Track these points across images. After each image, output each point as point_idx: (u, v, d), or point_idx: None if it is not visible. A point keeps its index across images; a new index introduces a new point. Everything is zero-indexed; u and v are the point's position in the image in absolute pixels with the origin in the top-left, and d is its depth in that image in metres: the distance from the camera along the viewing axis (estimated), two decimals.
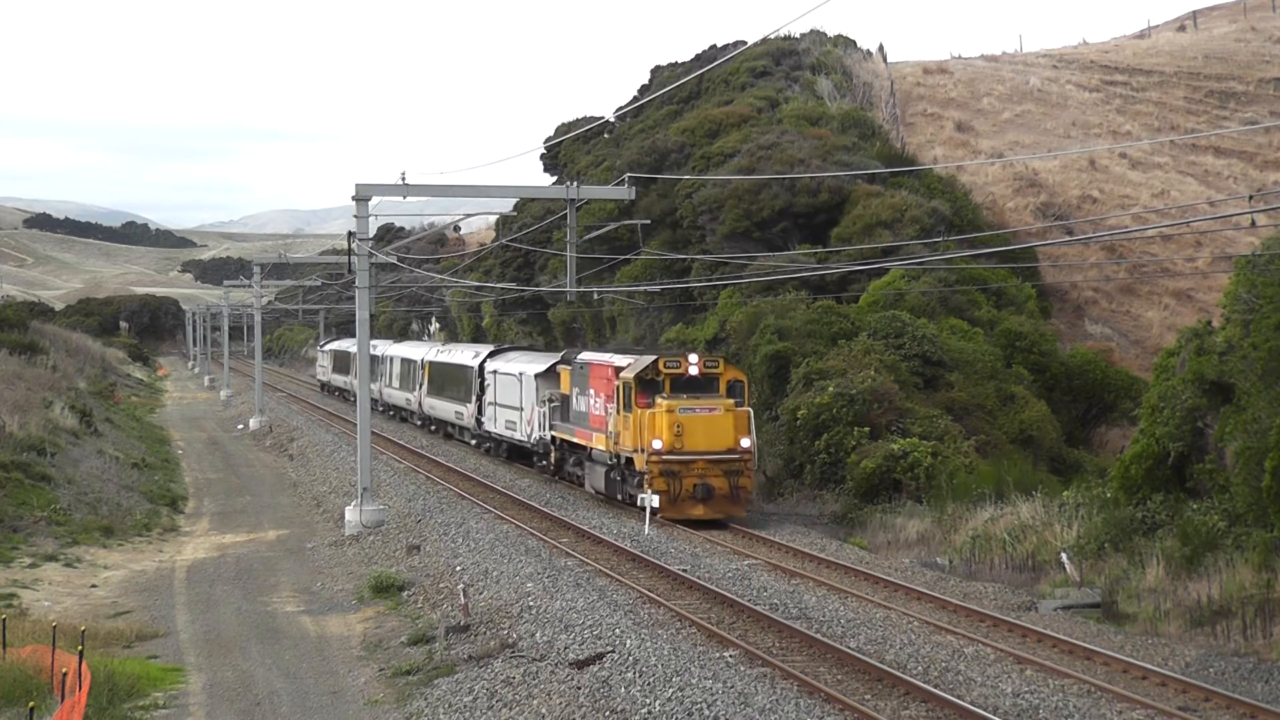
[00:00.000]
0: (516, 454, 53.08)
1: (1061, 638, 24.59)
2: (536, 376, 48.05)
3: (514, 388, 50.61)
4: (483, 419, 56.09)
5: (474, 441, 58.44)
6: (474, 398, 56.81)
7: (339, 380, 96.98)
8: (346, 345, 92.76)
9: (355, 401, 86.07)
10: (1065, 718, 20.25)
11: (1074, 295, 59.39)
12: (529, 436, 49.32)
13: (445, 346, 70.08)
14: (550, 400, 46.32)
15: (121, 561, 37.26)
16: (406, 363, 72.28)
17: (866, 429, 41.80)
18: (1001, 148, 70.43)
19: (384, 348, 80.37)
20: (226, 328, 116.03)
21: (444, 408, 63.10)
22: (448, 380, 61.91)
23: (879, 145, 64.76)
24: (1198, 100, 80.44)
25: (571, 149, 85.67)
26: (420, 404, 68.43)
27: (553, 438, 46.29)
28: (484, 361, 56.32)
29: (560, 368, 46.14)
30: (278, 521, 43.98)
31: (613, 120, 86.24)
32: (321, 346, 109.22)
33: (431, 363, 65.65)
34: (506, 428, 52.34)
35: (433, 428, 67.31)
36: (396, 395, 75.17)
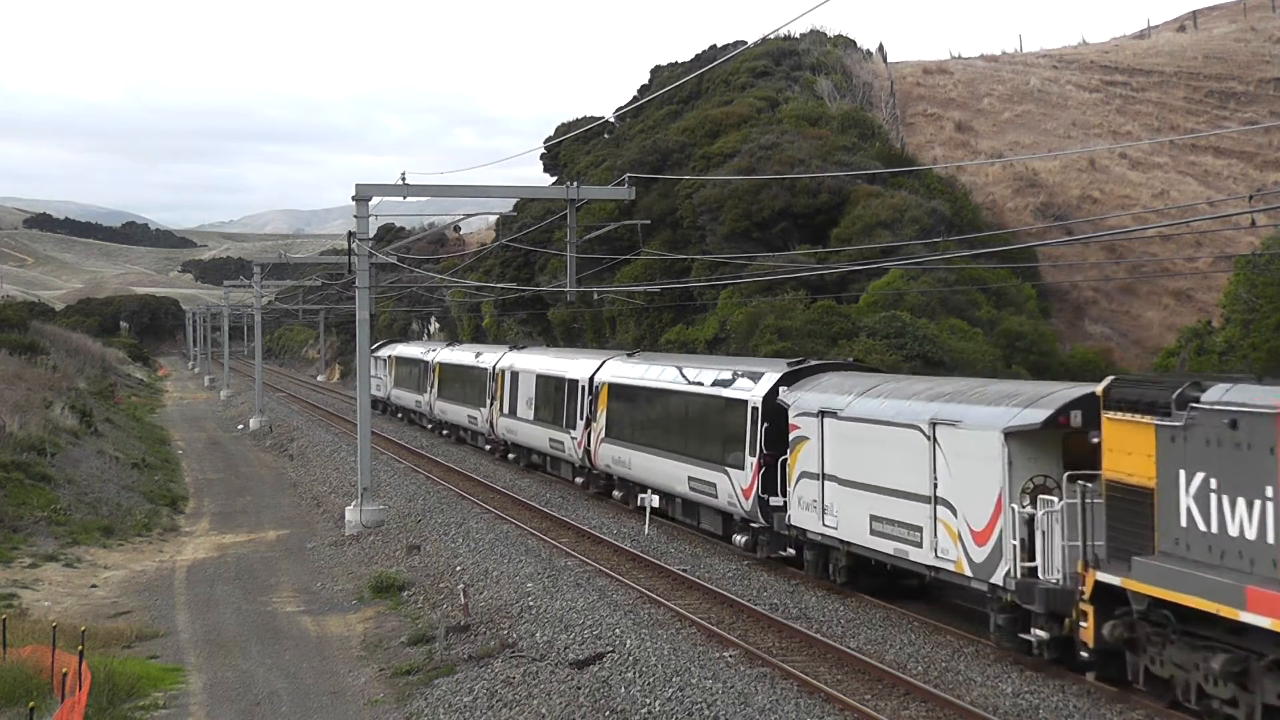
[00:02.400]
0: (862, 571, 28.22)
1: None
2: (1007, 437, 22.65)
3: (914, 454, 25.41)
4: (777, 501, 30.69)
5: (740, 538, 32.80)
6: (751, 458, 31.51)
7: (408, 398, 73.47)
8: (423, 350, 72.25)
9: (438, 429, 66.63)
10: (1065, 718, 20.25)
11: (1074, 295, 59.37)
12: (975, 564, 23.65)
13: (642, 357, 43.53)
14: (1060, 494, 21.98)
15: (121, 561, 37.26)
16: (550, 382, 47.58)
17: None
18: (1001, 148, 70.41)
19: (498, 356, 55.77)
20: (226, 328, 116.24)
21: (654, 468, 37.85)
22: (672, 421, 36.92)
23: (879, 145, 64.74)
24: (1198, 100, 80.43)
25: (571, 149, 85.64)
26: (590, 451, 43.37)
27: (1115, 589, 20.18)
28: (777, 392, 31.11)
29: (1113, 418, 20.30)
30: (278, 521, 43.98)
31: (613, 120, 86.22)
32: (373, 351, 79.34)
33: (617, 385, 41.44)
34: (878, 532, 26.57)
35: (615, 493, 41.78)
36: (530, 432, 50.03)
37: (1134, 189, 66.76)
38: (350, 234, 40.80)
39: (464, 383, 59.83)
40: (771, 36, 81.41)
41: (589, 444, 43.32)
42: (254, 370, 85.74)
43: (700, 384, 35.68)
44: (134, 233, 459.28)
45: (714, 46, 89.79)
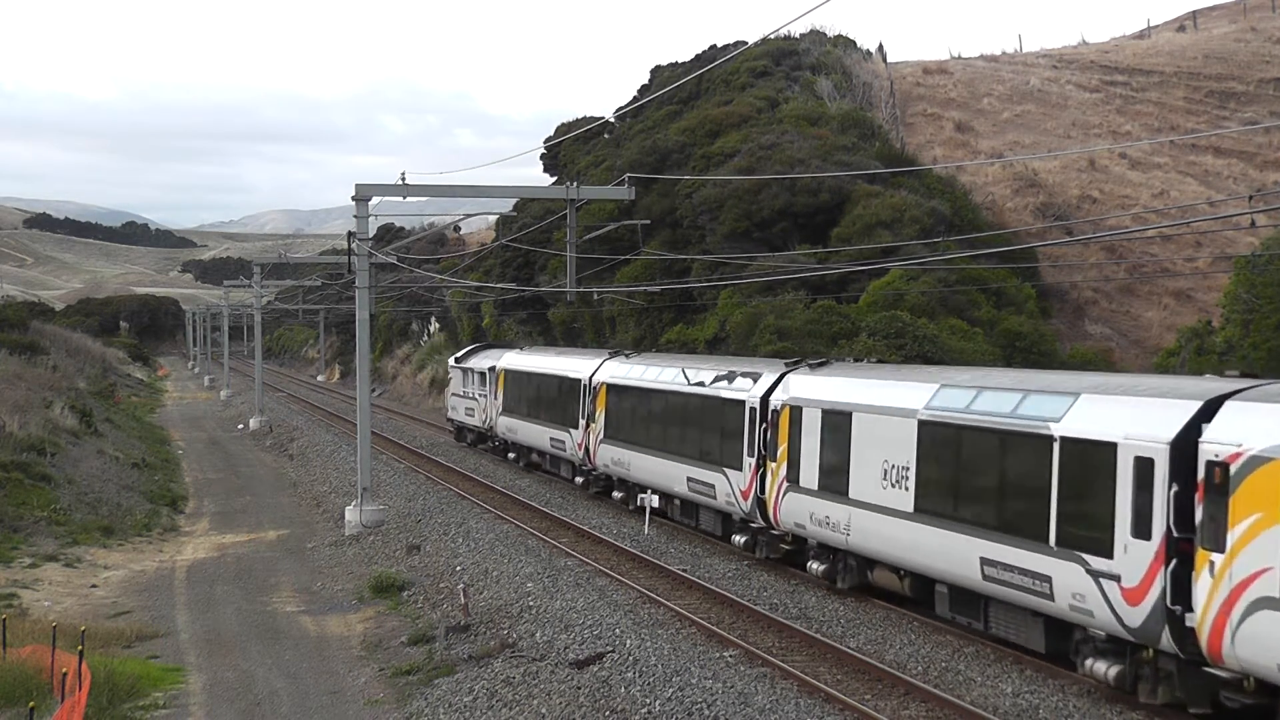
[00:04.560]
0: None
1: None
2: None
3: None
4: None
5: None
6: None
7: (536, 434, 49.55)
8: (566, 362, 47.77)
9: (599, 485, 43.46)
10: (1065, 718, 20.24)
11: (1074, 295, 59.34)
12: None
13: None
14: None
15: (121, 561, 37.26)
16: (974, 441, 23.46)
17: None
18: (1001, 148, 70.36)
19: (766, 383, 31.65)
20: (226, 328, 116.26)
21: None
22: None
23: (879, 145, 64.70)
24: (1198, 100, 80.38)
25: (571, 149, 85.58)
26: (1175, 633, 18.70)
27: None
28: None
29: None
30: (278, 521, 43.97)
31: (613, 120, 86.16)
32: (458, 361, 63.42)
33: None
34: None
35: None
36: (894, 535, 25.93)
37: (1134, 189, 66.74)
38: (350, 234, 40.77)
39: (675, 422, 36.75)
40: (771, 37, 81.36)
41: (1129, 580, 19.74)
42: (254, 370, 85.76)
43: None
44: (134, 233, 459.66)
45: (714, 47, 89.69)
